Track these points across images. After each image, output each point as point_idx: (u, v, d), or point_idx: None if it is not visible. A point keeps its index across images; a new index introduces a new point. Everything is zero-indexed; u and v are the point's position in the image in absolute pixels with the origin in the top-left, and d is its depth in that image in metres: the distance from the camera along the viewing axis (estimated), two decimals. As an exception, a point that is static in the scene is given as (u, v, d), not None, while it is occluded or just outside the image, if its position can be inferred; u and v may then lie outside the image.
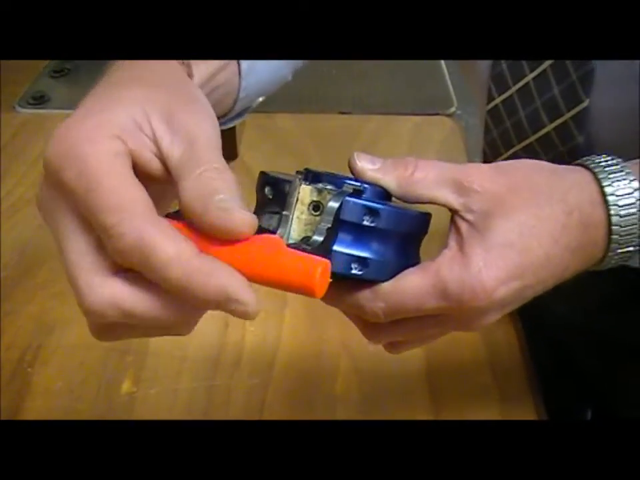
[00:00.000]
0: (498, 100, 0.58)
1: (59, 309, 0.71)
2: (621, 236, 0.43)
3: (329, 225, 0.41)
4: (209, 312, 0.72)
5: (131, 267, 0.35)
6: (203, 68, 0.47)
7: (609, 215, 0.43)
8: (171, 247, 0.34)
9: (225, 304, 0.35)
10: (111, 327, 0.38)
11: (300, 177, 0.43)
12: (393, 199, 0.45)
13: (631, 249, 0.44)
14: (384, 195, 0.45)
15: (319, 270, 0.36)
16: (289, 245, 0.40)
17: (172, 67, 0.43)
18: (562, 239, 0.42)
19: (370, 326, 0.45)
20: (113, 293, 0.36)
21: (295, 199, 0.42)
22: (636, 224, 0.43)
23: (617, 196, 0.42)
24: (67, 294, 0.72)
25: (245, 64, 0.52)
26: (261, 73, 0.54)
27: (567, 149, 0.55)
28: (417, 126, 1.02)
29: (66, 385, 0.64)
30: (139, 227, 0.34)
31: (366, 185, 0.44)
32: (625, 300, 0.62)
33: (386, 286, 0.43)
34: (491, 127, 0.59)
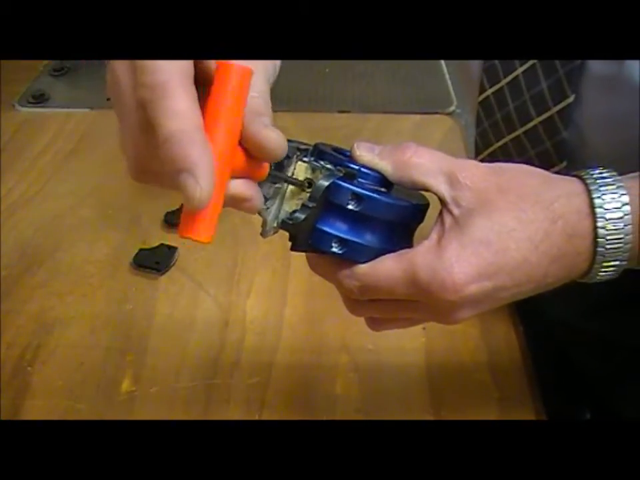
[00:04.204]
0: (489, 92, 0.58)
1: (58, 308, 0.71)
2: (606, 249, 0.43)
3: (314, 204, 0.43)
4: (208, 312, 0.72)
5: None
6: None
7: (596, 227, 0.43)
8: (183, 105, 0.37)
9: (178, 172, 0.36)
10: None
11: (298, 153, 0.45)
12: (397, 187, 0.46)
13: (617, 262, 0.44)
14: (382, 181, 0.46)
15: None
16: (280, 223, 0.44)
17: None
18: (542, 245, 0.43)
19: (350, 299, 0.48)
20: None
21: (290, 174, 0.45)
22: (622, 238, 0.43)
23: (605, 209, 0.43)
24: (66, 293, 0.73)
25: None
26: None
27: (552, 143, 0.56)
28: (416, 124, 1.02)
29: (66, 384, 0.64)
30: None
31: (364, 170, 0.45)
32: (624, 301, 0.62)
33: (363, 267, 0.45)
34: (482, 118, 0.60)
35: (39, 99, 1.07)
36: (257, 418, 0.61)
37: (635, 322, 0.63)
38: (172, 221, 0.80)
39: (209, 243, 0.39)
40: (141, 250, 0.77)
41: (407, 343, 0.67)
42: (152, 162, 0.39)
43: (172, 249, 0.76)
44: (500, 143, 0.59)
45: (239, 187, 0.41)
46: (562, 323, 0.72)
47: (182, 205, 0.38)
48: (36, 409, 0.62)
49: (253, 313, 0.71)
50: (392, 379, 0.65)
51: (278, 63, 0.47)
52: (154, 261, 0.75)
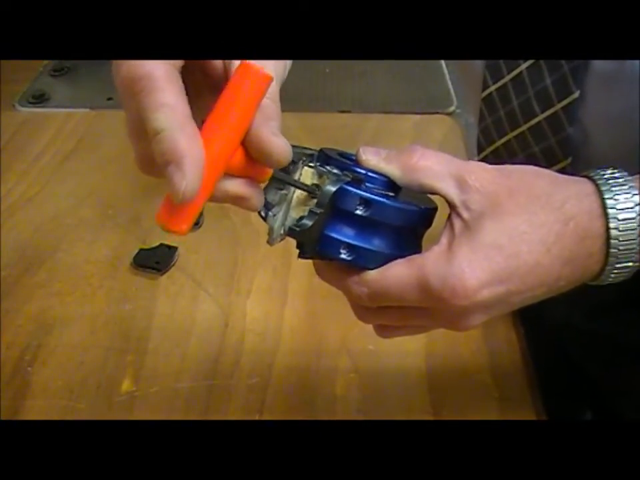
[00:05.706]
0: (492, 88, 0.58)
1: (58, 308, 0.71)
2: (619, 250, 0.43)
3: (321, 210, 0.42)
4: (208, 312, 0.72)
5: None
6: None
7: (608, 228, 0.42)
8: (170, 98, 0.37)
9: (167, 165, 0.36)
10: None
11: (304, 158, 0.44)
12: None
13: (630, 264, 0.43)
14: (390, 185, 0.45)
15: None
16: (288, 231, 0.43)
17: None
18: (554, 247, 0.42)
19: (359, 306, 0.47)
20: None
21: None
22: (635, 239, 0.42)
23: (618, 209, 0.42)
24: (66, 293, 0.72)
25: None
26: None
27: (557, 139, 0.56)
28: (416, 124, 1.02)
29: (66, 384, 0.64)
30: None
31: (371, 174, 0.44)
32: (624, 302, 0.62)
33: (372, 273, 0.44)
34: (485, 115, 0.59)
35: (39, 99, 1.07)
36: (257, 418, 0.61)
37: (634, 323, 0.63)
38: (172, 220, 0.80)
39: (184, 235, 0.39)
40: (141, 250, 0.77)
41: (408, 344, 0.67)
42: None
43: (172, 249, 0.76)
44: (503, 140, 0.59)
45: (237, 186, 0.41)
46: (564, 324, 0.72)
47: (168, 194, 0.38)
48: (36, 409, 0.62)
49: (253, 313, 0.71)
50: (393, 379, 0.65)
51: (288, 65, 0.47)
52: (154, 261, 0.75)
